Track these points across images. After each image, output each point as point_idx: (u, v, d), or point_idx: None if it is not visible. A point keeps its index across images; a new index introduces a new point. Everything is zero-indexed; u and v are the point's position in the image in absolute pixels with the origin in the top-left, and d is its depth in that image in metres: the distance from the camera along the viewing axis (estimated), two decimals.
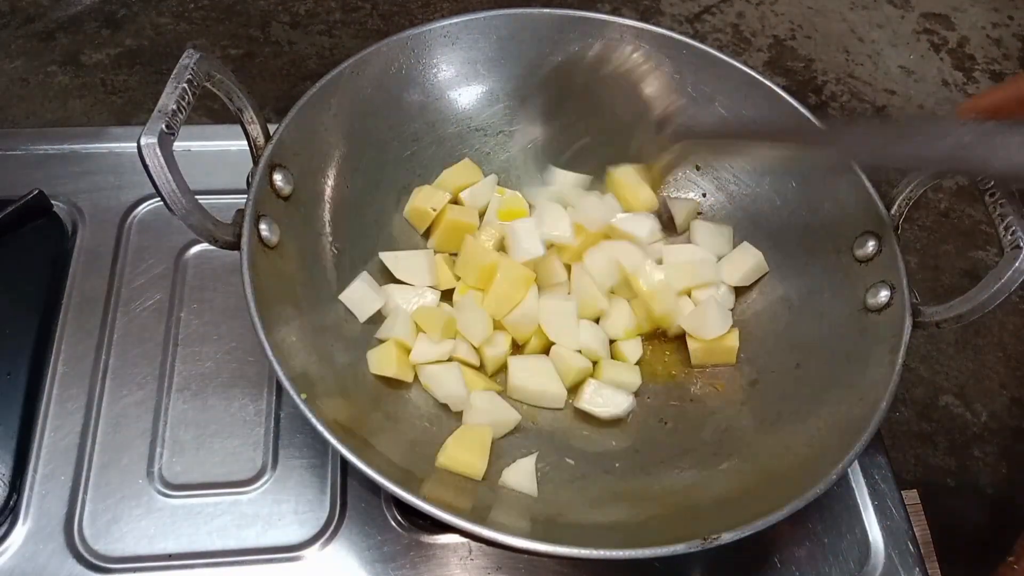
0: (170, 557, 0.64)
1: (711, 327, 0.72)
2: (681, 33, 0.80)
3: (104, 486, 0.67)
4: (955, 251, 1.70)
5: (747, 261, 0.77)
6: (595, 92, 0.79)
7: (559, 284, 0.75)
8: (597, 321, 0.75)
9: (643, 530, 0.62)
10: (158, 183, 0.55)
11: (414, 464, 0.63)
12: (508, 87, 0.82)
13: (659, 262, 0.76)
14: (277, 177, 0.66)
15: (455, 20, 0.78)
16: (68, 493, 0.66)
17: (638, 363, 0.75)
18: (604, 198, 0.78)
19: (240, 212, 0.63)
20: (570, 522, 0.63)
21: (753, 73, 0.78)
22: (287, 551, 0.65)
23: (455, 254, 0.76)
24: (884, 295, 0.67)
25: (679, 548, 0.54)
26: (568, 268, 0.76)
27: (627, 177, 0.79)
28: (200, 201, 0.58)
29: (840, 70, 1.97)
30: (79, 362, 0.72)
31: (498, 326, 0.72)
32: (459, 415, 0.69)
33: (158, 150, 0.54)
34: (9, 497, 0.65)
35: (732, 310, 0.77)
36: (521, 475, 0.65)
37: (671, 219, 0.81)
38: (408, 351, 0.69)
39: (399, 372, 0.68)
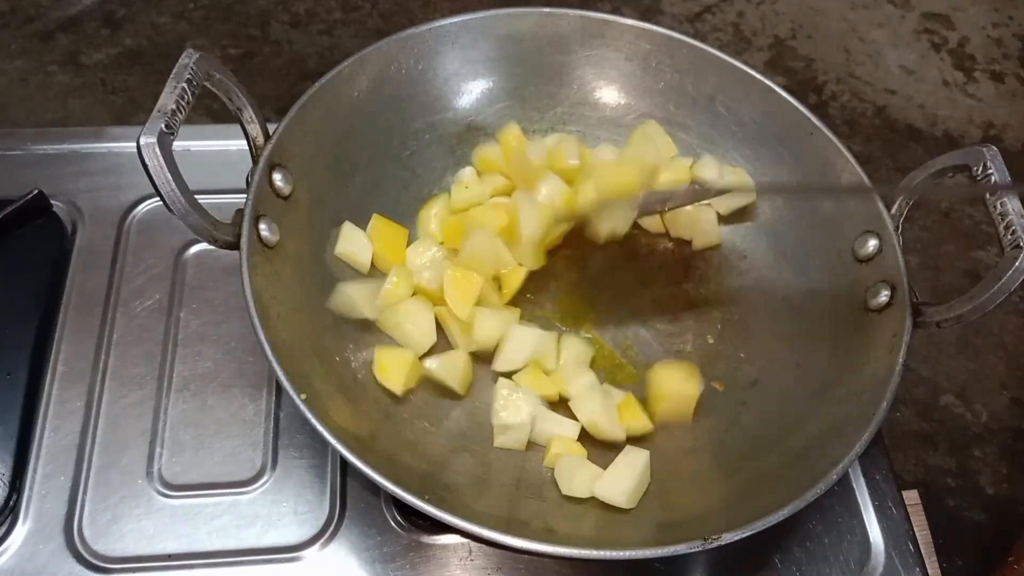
0: (170, 557, 0.64)
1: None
2: (681, 33, 0.80)
3: (104, 486, 0.67)
4: (955, 251, 1.70)
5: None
6: None
7: None
8: None
9: (644, 530, 0.62)
10: (157, 183, 0.55)
11: (414, 464, 0.63)
12: (508, 86, 0.82)
13: None
14: (277, 177, 0.66)
15: (455, 20, 0.78)
16: (68, 493, 0.66)
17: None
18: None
19: (239, 212, 0.63)
20: (570, 522, 0.63)
21: (754, 73, 0.78)
22: (287, 551, 0.65)
23: None
24: (884, 295, 0.67)
25: (679, 548, 0.54)
26: None
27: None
28: (200, 201, 0.58)
29: (840, 70, 1.97)
30: (79, 362, 0.72)
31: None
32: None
33: (157, 150, 0.54)
34: (9, 497, 0.65)
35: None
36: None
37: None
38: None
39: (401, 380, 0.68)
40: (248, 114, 0.65)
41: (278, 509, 0.67)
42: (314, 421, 0.55)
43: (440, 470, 0.64)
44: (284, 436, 0.70)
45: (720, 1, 2.07)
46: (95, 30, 1.83)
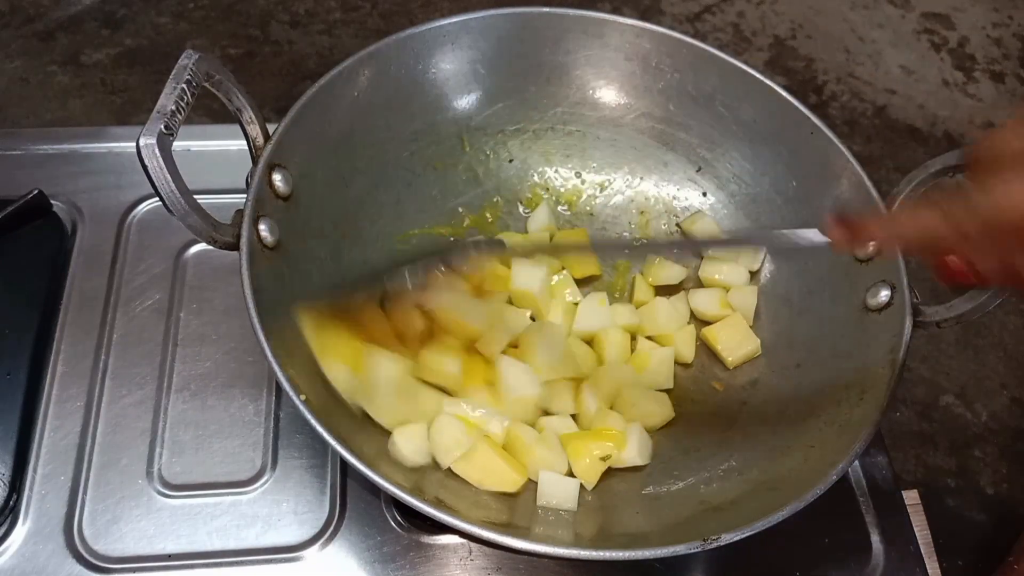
0: (170, 557, 0.64)
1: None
2: (681, 33, 0.80)
3: (104, 486, 0.67)
4: None
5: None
6: None
7: None
8: None
9: (644, 530, 0.62)
10: (157, 183, 0.55)
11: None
12: (508, 87, 0.82)
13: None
14: (276, 177, 0.66)
15: (455, 20, 0.78)
16: (68, 493, 0.66)
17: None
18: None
19: (239, 212, 0.63)
20: (570, 523, 0.63)
21: (754, 73, 0.78)
22: (287, 551, 0.65)
23: None
24: (884, 295, 0.67)
25: (679, 549, 0.54)
26: None
27: None
28: (199, 201, 0.58)
29: (841, 70, 1.96)
30: (79, 362, 0.72)
31: None
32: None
33: (157, 150, 0.54)
34: (9, 497, 0.65)
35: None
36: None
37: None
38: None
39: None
40: (248, 114, 0.65)
41: (278, 509, 0.67)
42: (314, 422, 0.55)
43: (440, 469, 0.64)
44: (284, 436, 0.70)
45: (720, 1, 2.07)
46: (95, 30, 1.83)
